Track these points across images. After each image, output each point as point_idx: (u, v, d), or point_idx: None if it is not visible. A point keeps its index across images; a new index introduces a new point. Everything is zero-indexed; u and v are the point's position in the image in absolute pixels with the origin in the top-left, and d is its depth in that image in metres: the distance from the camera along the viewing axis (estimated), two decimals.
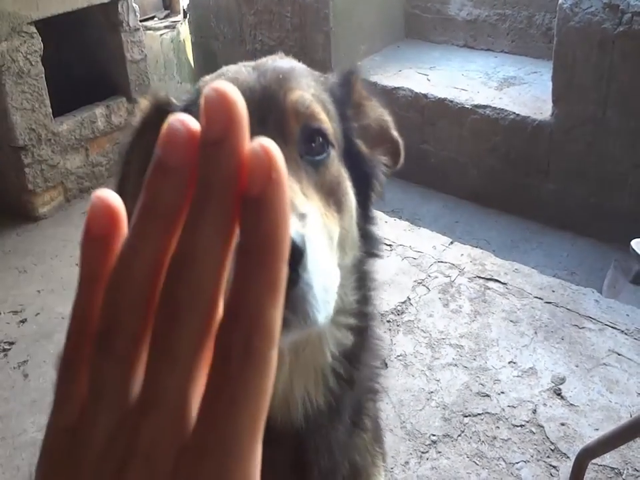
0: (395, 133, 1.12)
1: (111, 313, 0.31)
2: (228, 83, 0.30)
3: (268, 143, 0.30)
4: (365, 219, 1.00)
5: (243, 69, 0.93)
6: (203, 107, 0.30)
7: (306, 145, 0.87)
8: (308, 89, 0.91)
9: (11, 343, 2.64)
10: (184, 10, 5.46)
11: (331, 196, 0.88)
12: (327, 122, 0.90)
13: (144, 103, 1.00)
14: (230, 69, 0.96)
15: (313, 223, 0.75)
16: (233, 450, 0.29)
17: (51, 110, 3.50)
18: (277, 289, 0.30)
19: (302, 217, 0.73)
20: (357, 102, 1.05)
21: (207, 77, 0.99)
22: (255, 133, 0.70)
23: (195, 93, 0.96)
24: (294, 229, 0.66)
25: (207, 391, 0.30)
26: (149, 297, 0.31)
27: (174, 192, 0.31)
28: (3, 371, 2.50)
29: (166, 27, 5.43)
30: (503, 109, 3.86)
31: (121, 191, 0.95)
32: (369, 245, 1.00)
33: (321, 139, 0.89)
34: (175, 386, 0.30)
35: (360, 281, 0.98)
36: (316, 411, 0.92)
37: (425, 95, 4.12)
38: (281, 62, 0.98)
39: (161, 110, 0.96)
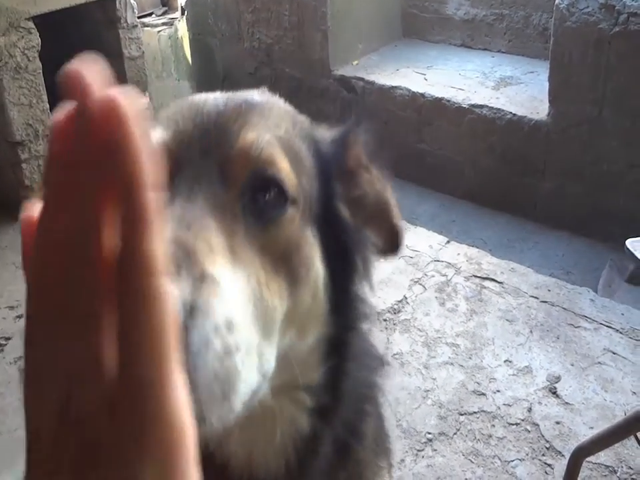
0: (397, 220, 0.91)
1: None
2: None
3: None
4: (344, 294, 0.83)
5: (212, 96, 0.80)
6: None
7: (254, 195, 0.70)
8: (273, 130, 0.75)
9: (8, 339, 2.64)
10: (182, 7, 5.45)
11: (284, 263, 0.72)
12: (288, 172, 0.73)
13: None
14: (201, 96, 0.81)
15: (221, 290, 0.57)
16: (146, 383, 0.33)
17: (48, 106, 3.50)
18: (144, 220, 0.34)
19: (202, 278, 0.56)
20: (351, 169, 0.87)
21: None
22: (193, 165, 0.67)
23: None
24: (182, 294, 0.52)
25: (117, 339, 0.34)
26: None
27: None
28: None
29: (164, 24, 5.41)
30: (499, 109, 3.87)
31: None
32: (347, 319, 0.84)
33: (276, 191, 0.72)
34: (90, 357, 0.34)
35: (331, 354, 0.82)
36: (282, 471, 0.81)
37: (422, 95, 4.12)
38: (259, 96, 0.82)
39: None
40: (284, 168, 0.73)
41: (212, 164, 0.70)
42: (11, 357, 2.54)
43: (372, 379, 0.96)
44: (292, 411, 0.80)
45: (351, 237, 0.83)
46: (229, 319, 0.57)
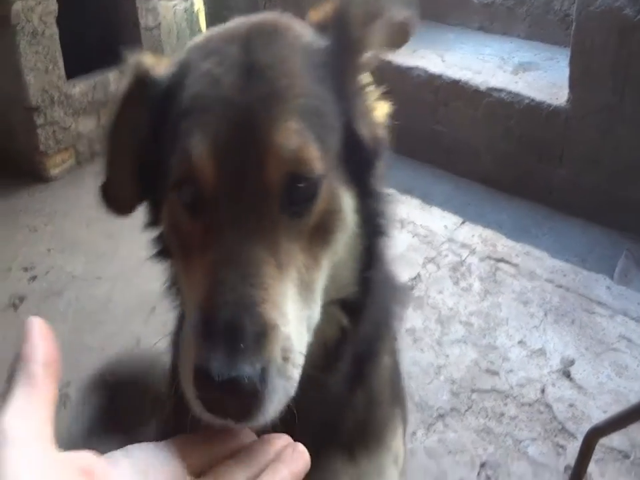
0: (397, 14, 0.88)
1: None
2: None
3: None
4: (368, 197, 0.86)
5: (229, 54, 0.78)
6: None
7: (289, 194, 0.73)
8: (297, 104, 0.75)
9: (22, 299, 2.64)
10: None
11: (322, 235, 0.77)
12: (317, 157, 0.74)
13: (126, 75, 0.88)
14: (214, 48, 0.81)
15: (283, 333, 0.67)
16: None
17: (64, 72, 3.47)
18: None
19: (266, 333, 0.65)
20: (359, 39, 0.86)
21: (193, 43, 0.86)
22: (231, 181, 0.71)
23: (179, 67, 0.84)
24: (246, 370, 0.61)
25: None
26: None
27: None
28: (13, 325, 2.50)
29: None
30: (518, 93, 3.83)
31: (108, 172, 0.92)
32: (374, 226, 0.88)
33: (309, 181, 0.74)
34: None
35: (362, 264, 0.88)
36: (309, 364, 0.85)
37: (440, 76, 4.09)
38: (272, 46, 0.80)
39: (142, 84, 0.86)
40: (314, 156, 0.74)
41: (248, 175, 0.72)
42: (25, 316, 2.52)
43: (391, 306, 1.01)
44: (323, 322, 0.82)
45: (370, 151, 0.85)
46: (288, 337, 0.68)
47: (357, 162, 0.83)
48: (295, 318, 0.71)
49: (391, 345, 1.09)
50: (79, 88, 3.57)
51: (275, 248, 0.71)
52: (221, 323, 0.65)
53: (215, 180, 0.72)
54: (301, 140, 0.73)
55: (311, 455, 0.67)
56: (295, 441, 0.68)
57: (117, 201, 0.95)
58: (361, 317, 0.91)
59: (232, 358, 0.62)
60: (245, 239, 0.70)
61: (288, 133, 0.72)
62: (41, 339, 0.57)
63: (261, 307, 0.66)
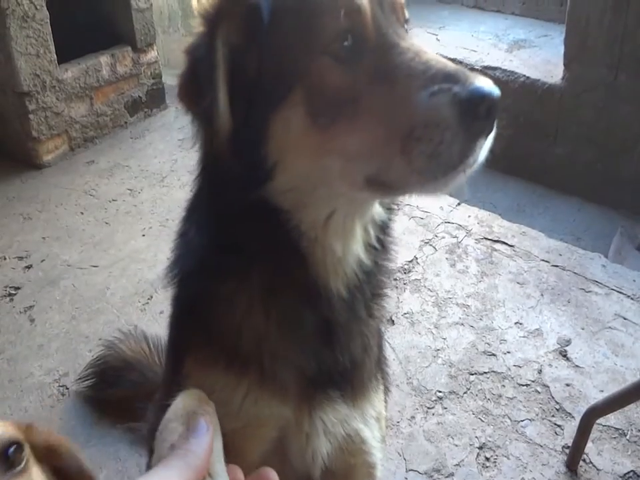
0: None
1: None
2: None
3: None
4: None
5: None
6: None
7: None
8: None
9: (17, 288, 2.63)
10: None
11: None
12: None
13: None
14: None
15: None
16: None
17: (55, 56, 3.43)
18: None
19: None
20: None
21: None
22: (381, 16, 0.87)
23: None
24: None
25: None
26: None
27: None
28: (9, 315, 2.49)
29: None
30: (513, 71, 3.81)
31: (212, 106, 0.87)
32: None
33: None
34: None
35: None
36: (354, 279, 1.00)
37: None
38: None
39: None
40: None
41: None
42: (21, 306, 2.54)
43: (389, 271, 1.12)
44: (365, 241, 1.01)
45: None
46: None
47: None
48: None
49: (382, 310, 1.16)
50: (71, 73, 3.53)
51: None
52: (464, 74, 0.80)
53: (372, 22, 0.86)
54: None
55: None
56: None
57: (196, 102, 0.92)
58: (387, 242, 1.06)
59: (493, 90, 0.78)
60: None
61: None
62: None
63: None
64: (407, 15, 0.96)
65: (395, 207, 1.10)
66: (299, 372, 1.02)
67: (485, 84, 0.79)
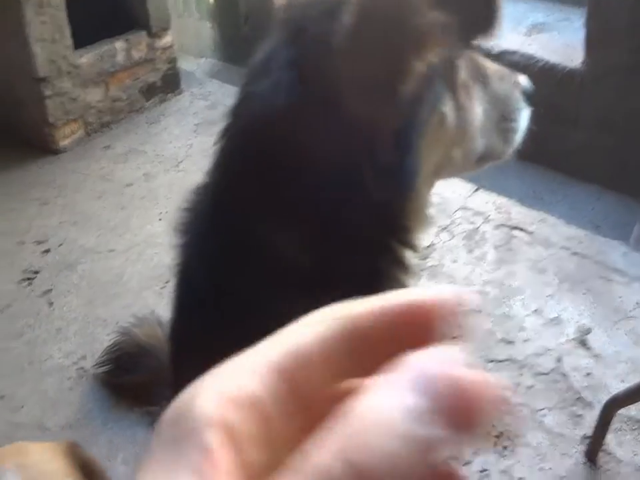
0: None
1: None
2: None
3: None
4: None
5: None
6: None
7: None
8: None
9: (35, 272, 2.65)
10: None
11: None
12: None
13: None
14: None
15: None
16: None
17: (71, 42, 3.43)
18: None
19: None
20: None
21: None
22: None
23: None
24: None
25: None
26: None
27: None
28: (28, 299, 2.51)
29: None
30: (532, 56, 3.76)
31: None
32: None
33: None
34: None
35: None
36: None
37: None
38: None
39: None
40: None
41: None
42: (39, 290, 2.56)
43: None
44: None
45: None
46: None
47: None
48: None
49: None
50: (86, 58, 3.52)
51: None
52: None
53: None
54: None
55: None
56: None
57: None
58: None
59: None
60: None
61: None
62: None
63: None
64: None
65: None
66: None
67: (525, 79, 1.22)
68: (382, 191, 0.89)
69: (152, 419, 1.97)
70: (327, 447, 0.23)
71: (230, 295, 0.96)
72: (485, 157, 1.20)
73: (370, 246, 0.96)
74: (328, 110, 0.85)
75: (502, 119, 1.17)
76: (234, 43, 4.72)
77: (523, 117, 1.22)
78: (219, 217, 0.99)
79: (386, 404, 0.24)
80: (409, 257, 1.05)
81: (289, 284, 0.92)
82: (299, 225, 0.90)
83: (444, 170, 1.13)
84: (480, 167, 1.25)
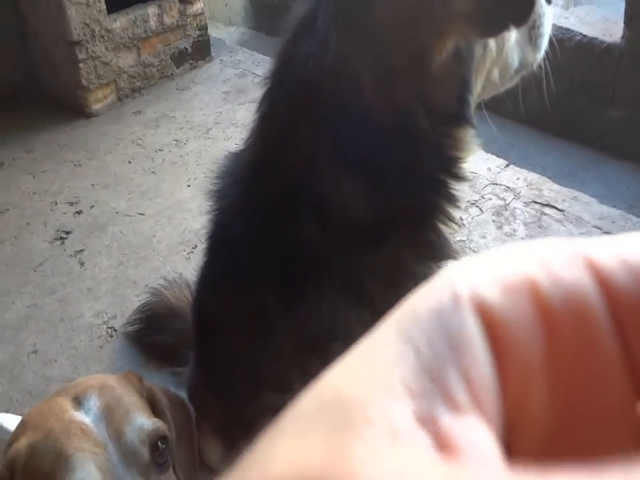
0: None
1: None
2: None
3: None
4: None
5: None
6: None
7: None
8: None
9: (68, 232, 2.70)
10: None
11: None
12: None
13: None
14: None
15: None
16: None
17: (105, 6, 3.43)
18: None
19: None
20: None
21: None
22: None
23: None
24: None
25: None
26: None
27: None
28: (60, 258, 2.56)
29: None
30: (569, 29, 3.68)
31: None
32: None
33: None
34: None
35: None
36: None
37: None
38: None
39: None
40: None
41: None
42: (72, 249, 2.61)
43: None
44: None
45: None
46: None
47: None
48: None
49: None
50: (119, 23, 3.53)
51: None
52: None
53: None
54: None
55: None
56: None
57: None
58: None
59: None
60: None
61: None
62: None
63: None
64: None
65: None
66: None
67: None
68: (439, 129, 0.93)
69: (179, 379, 2.01)
70: None
71: (279, 255, 0.97)
72: (519, 69, 1.26)
73: (425, 183, 0.99)
74: (377, 59, 0.87)
75: (530, 27, 1.18)
76: (265, 12, 4.68)
77: (547, 20, 1.22)
78: (268, 179, 0.98)
79: None
80: (459, 189, 1.06)
81: (351, 236, 0.94)
82: (362, 174, 0.93)
83: (487, 90, 1.21)
84: (514, 81, 1.33)
